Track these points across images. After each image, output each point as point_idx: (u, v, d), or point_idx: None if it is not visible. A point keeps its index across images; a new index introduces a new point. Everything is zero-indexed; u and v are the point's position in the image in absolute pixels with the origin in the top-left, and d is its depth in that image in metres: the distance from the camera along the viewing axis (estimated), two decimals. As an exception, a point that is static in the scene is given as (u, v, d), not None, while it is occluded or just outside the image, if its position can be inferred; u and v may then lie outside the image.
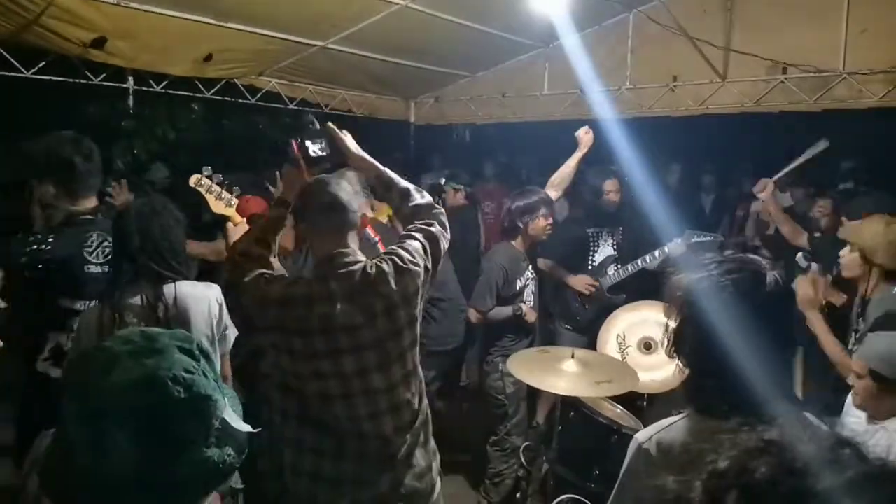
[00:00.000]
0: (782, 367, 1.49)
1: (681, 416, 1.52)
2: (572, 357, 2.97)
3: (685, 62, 5.01)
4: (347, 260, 1.99)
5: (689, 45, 4.80)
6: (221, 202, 2.62)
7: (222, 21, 4.06)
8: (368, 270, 1.99)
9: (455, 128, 8.57)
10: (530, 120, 6.22)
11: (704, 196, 7.19)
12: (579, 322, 4.45)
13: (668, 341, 1.54)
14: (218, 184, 2.62)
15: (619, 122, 5.46)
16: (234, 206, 2.65)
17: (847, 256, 3.20)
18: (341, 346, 1.95)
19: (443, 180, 6.29)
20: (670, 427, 1.49)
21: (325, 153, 2.25)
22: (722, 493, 0.48)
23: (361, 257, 2.04)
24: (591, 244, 4.58)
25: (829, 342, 2.92)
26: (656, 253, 4.26)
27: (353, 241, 2.06)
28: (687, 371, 1.52)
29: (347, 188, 2.10)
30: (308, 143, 2.21)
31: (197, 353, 0.95)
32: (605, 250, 4.57)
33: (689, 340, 1.49)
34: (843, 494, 0.44)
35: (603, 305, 4.33)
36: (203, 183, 2.60)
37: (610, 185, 4.44)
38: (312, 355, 1.95)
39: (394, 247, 2.11)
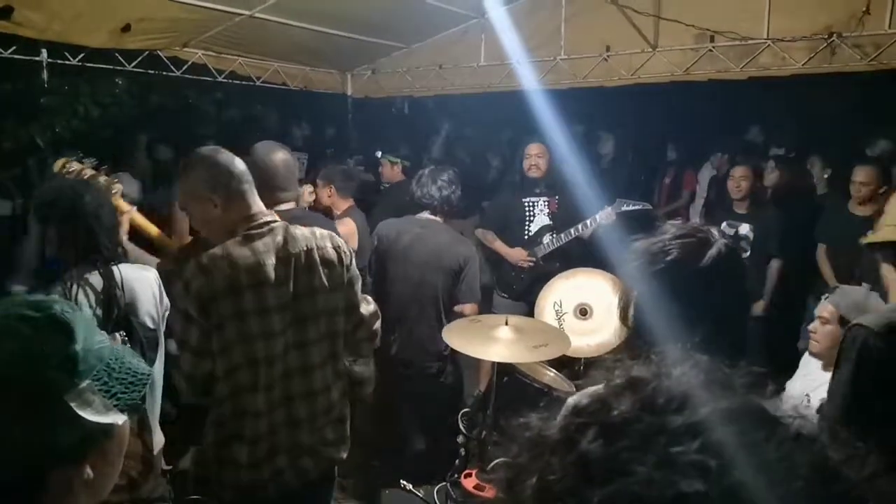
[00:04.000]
0: (732, 333, 1.48)
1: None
2: (506, 324, 3.00)
3: (617, 32, 5.04)
4: (265, 220, 2.06)
5: (621, 14, 4.83)
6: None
7: (138, -12, 3.87)
8: (292, 231, 2.08)
9: (394, 101, 8.45)
10: (468, 91, 6.19)
11: (636, 165, 7.31)
12: (515, 290, 4.52)
13: (621, 304, 1.52)
14: (93, 168, 2.44)
15: (554, 93, 5.53)
16: (117, 193, 2.48)
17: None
18: (269, 303, 1.99)
19: (378, 153, 6.22)
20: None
21: None
22: (580, 428, 0.47)
23: (273, 217, 2.10)
24: (527, 213, 4.63)
25: None
26: (588, 221, 4.33)
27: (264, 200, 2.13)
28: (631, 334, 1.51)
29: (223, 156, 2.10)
30: None
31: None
32: (540, 219, 4.62)
33: (638, 304, 1.47)
34: (697, 430, 0.43)
35: (538, 273, 4.39)
36: (71, 168, 2.41)
37: (534, 149, 4.48)
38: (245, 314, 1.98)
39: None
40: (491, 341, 2.93)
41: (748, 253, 4.59)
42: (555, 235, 4.55)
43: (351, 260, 2.21)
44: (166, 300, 2.36)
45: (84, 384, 0.88)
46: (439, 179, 3.61)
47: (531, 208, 4.63)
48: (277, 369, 2.03)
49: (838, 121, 6.74)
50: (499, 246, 4.62)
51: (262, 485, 2.05)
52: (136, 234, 2.65)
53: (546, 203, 4.63)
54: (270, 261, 1.99)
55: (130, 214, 2.52)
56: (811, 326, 2.60)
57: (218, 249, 1.99)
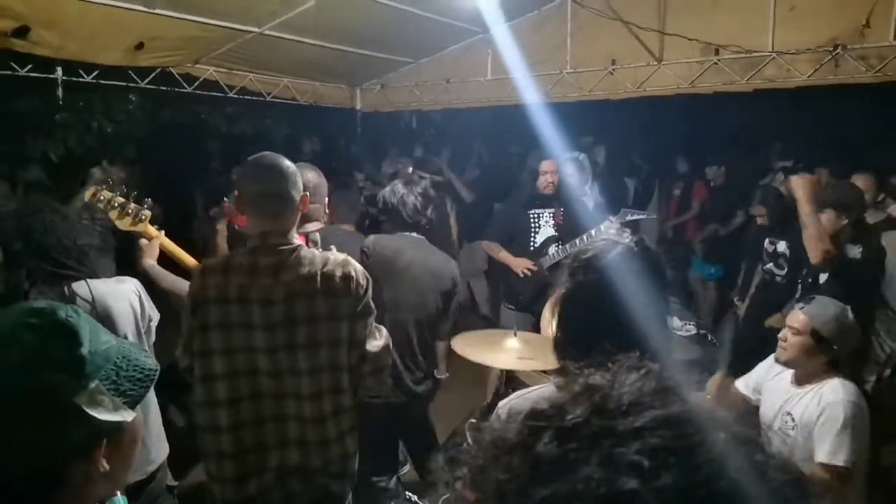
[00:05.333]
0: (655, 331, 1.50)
1: (542, 385, 1.58)
2: (514, 335, 3.04)
3: (623, 45, 5.09)
4: (278, 240, 2.03)
5: (626, 28, 4.88)
6: (128, 217, 2.42)
7: (150, 7, 3.95)
8: (302, 255, 2.02)
9: (402, 115, 8.54)
10: (475, 105, 6.25)
11: (643, 176, 7.33)
12: (521, 301, 4.54)
13: (556, 308, 1.55)
14: (122, 196, 2.42)
15: (562, 106, 5.57)
16: (146, 220, 2.46)
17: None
18: (254, 320, 1.97)
19: (410, 168, 6.22)
20: (526, 395, 1.54)
21: None
22: (537, 432, 0.50)
23: (296, 241, 2.07)
24: (533, 225, 4.65)
25: None
26: (592, 232, 4.33)
27: (288, 223, 2.07)
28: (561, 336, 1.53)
29: (287, 172, 2.07)
30: None
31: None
32: (546, 231, 4.65)
33: (572, 307, 1.50)
34: (639, 434, 0.46)
35: (544, 284, 4.41)
36: (102, 197, 2.39)
37: (547, 167, 4.51)
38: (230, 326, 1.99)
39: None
40: (496, 351, 2.97)
41: (785, 270, 4.64)
42: (560, 246, 4.57)
43: (365, 291, 2.09)
44: (150, 312, 2.37)
45: (93, 385, 0.93)
46: (419, 195, 3.43)
47: (536, 220, 4.65)
48: (256, 387, 1.99)
49: (844, 132, 6.74)
50: (504, 256, 4.64)
51: (249, 500, 2.02)
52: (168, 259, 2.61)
53: (551, 214, 4.65)
54: (266, 280, 1.96)
55: (159, 239, 2.51)
56: (780, 334, 2.59)
57: (220, 258, 2.05)
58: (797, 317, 2.52)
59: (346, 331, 2.03)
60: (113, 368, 0.97)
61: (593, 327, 1.32)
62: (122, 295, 2.30)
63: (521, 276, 4.50)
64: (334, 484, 2.11)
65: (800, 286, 3.87)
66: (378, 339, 2.15)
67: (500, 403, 1.55)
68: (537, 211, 4.65)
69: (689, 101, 5.32)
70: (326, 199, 2.84)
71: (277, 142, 8.30)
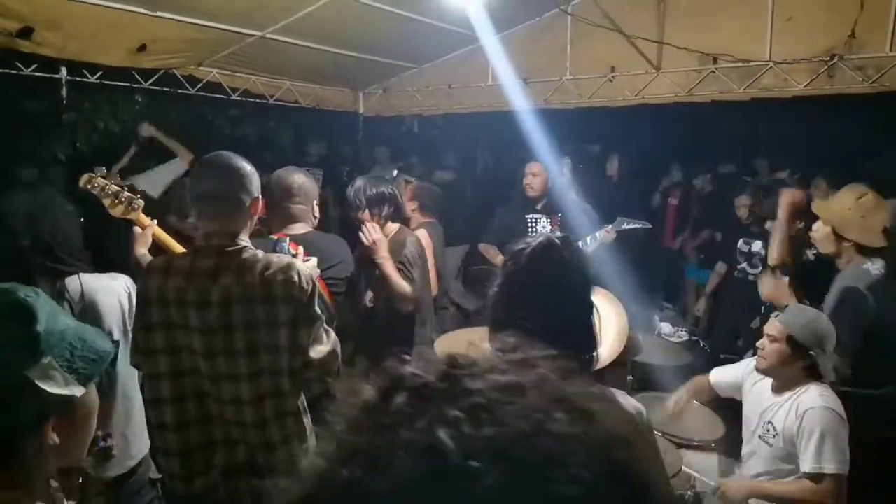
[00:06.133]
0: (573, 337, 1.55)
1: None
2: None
3: (622, 53, 5.11)
4: (222, 242, 1.98)
5: (624, 36, 4.91)
6: (121, 205, 2.46)
7: (152, 10, 4.02)
8: (245, 259, 1.96)
9: (404, 119, 8.59)
10: (476, 111, 6.29)
11: (639, 184, 7.35)
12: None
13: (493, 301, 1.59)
14: (116, 184, 2.46)
15: (561, 112, 5.61)
16: (139, 209, 2.49)
17: (820, 232, 3.09)
18: (191, 322, 1.94)
19: (395, 172, 6.30)
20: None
21: None
22: (391, 391, 0.51)
23: (243, 243, 2.01)
24: (530, 230, 4.67)
25: None
26: (588, 239, 4.37)
27: (235, 225, 2.01)
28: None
29: (238, 173, 2.01)
30: None
31: None
32: (542, 236, 4.67)
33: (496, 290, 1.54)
34: (470, 394, 0.48)
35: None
36: (96, 184, 2.42)
37: (532, 168, 4.55)
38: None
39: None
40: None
41: (759, 269, 4.73)
42: (556, 253, 4.59)
43: (310, 296, 1.98)
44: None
45: (45, 360, 1.00)
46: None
47: (533, 225, 4.68)
48: (199, 386, 1.97)
49: (841, 142, 6.74)
50: (500, 261, 4.66)
51: (196, 497, 2.00)
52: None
53: (549, 220, 4.68)
54: (203, 283, 1.92)
55: (152, 228, 2.55)
56: (759, 343, 2.62)
57: (163, 259, 2.03)
58: (773, 325, 2.55)
59: (286, 338, 1.95)
60: (67, 347, 1.04)
61: (508, 309, 1.47)
62: (112, 291, 2.36)
63: None
64: (283, 481, 2.03)
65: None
66: (324, 345, 2.05)
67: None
68: (535, 216, 4.68)
69: (685, 109, 5.33)
70: (315, 201, 2.84)
71: (283, 144, 8.37)
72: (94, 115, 6.28)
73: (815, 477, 2.36)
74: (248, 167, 2.03)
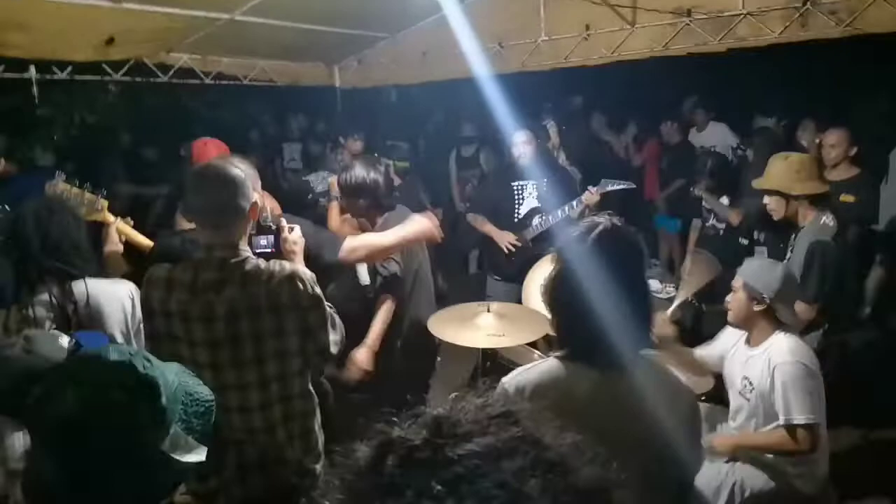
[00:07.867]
0: (639, 315, 1.63)
1: (543, 359, 1.68)
2: (488, 311, 3.12)
3: (596, 11, 5.06)
4: (224, 253, 2.00)
5: (596, -6, 4.86)
6: (83, 207, 2.48)
7: (117, 2, 3.94)
8: (245, 270, 1.98)
9: (381, 90, 8.50)
10: (453, 77, 6.22)
11: (620, 144, 7.35)
12: (506, 272, 4.62)
13: (545, 291, 1.68)
14: (78, 188, 2.50)
15: (537, 75, 5.58)
16: (103, 209, 2.54)
17: (771, 202, 3.41)
18: (196, 336, 1.97)
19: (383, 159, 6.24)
20: (530, 370, 1.63)
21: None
22: (382, 456, 0.56)
23: (245, 253, 2.04)
24: (516, 197, 4.71)
25: None
26: (573, 203, 4.41)
27: (235, 235, 2.02)
28: (556, 318, 1.67)
29: (233, 182, 2.01)
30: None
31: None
32: (529, 202, 4.71)
33: (562, 291, 1.63)
34: (453, 463, 0.53)
35: (529, 255, 4.48)
36: (59, 189, 2.46)
37: (520, 137, 4.57)
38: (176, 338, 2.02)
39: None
40: (473, 328, 3.06)
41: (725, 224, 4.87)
42: (543, 218, 4.64)
43: (319, 300, 2.03)
44: (139, 311, 2.39)
45: (172, 431, 1.01)
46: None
47: (520, 192, 4.72)
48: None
49: (824, 87, 6.75)
50: (489, 229, 4.74)
51: (211, 494, 2.06)
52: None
53: (534, 186, 4.71)
54: (207, 297, 1.94)
55: (116, 225, 2.60)
56: (728, 297, 2.73)
57: (164, 270, 2.03)
58: (736, 279, 2.66)
59: (297, 343, 2.01)
60: (182, 407, 1.04)
61: (570, 293, 1.57)
62: (116, 296, 2.39)
63: (506, 251, 4.58)
64: (294, 477, 2.12)
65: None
66: (335, 334, 2.11)
67: (505, 379, 1.63)
68: (521, 183, 4.72)
69: (662, 64, 5.30)
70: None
71: (264, 123, 8.29)
72: (69, 109, 6.19)
73: (789, 428, 2.49)
74: (241, 173, 2.03)
